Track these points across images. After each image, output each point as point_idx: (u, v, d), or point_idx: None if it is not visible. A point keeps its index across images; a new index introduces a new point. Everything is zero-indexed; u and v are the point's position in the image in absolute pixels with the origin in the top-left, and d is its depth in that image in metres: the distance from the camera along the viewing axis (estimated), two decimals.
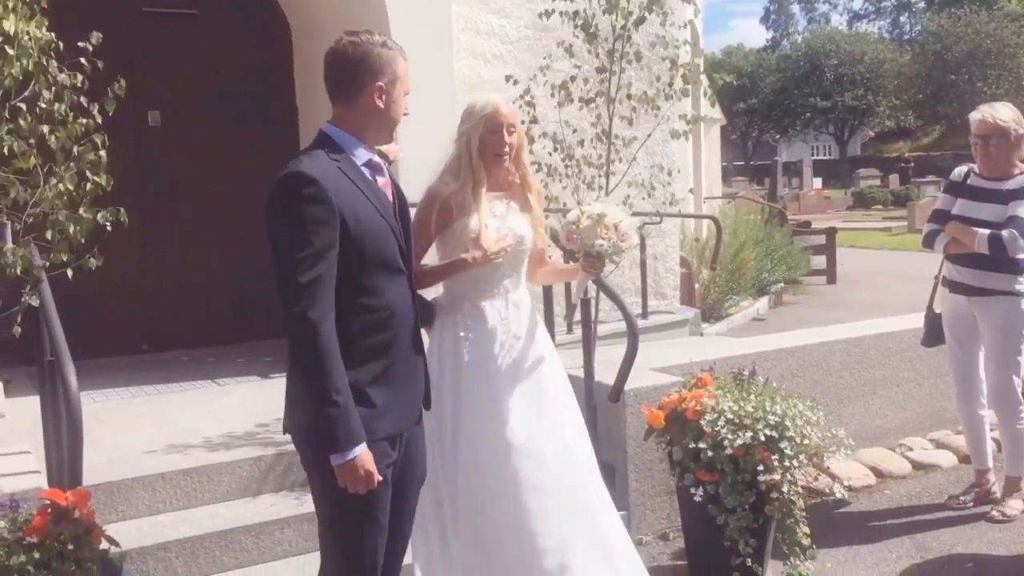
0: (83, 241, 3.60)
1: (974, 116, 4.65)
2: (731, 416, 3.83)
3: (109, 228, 3.61)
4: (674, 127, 5.62)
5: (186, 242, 6.79)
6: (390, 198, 2.73)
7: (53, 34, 3.47)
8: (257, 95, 6.99)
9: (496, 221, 3.24)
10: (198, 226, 6.82)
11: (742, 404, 3.90)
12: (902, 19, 74.02)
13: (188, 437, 4.48)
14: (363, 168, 2.66)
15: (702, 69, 6.05)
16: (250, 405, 5.07)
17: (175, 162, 6.76)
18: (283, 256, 2.45)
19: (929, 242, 4.73)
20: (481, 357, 3.22)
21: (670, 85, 5.38)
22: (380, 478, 2.53)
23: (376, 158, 2.73)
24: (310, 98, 7.04)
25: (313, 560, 3.61)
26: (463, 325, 3.22)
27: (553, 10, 5.19)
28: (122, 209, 3.65)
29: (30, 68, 3.42)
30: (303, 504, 4.03)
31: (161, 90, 6.69)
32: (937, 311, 4.87)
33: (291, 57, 7.15)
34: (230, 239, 6.87)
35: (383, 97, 2.64)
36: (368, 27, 6.19)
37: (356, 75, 2.62)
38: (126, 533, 3.59)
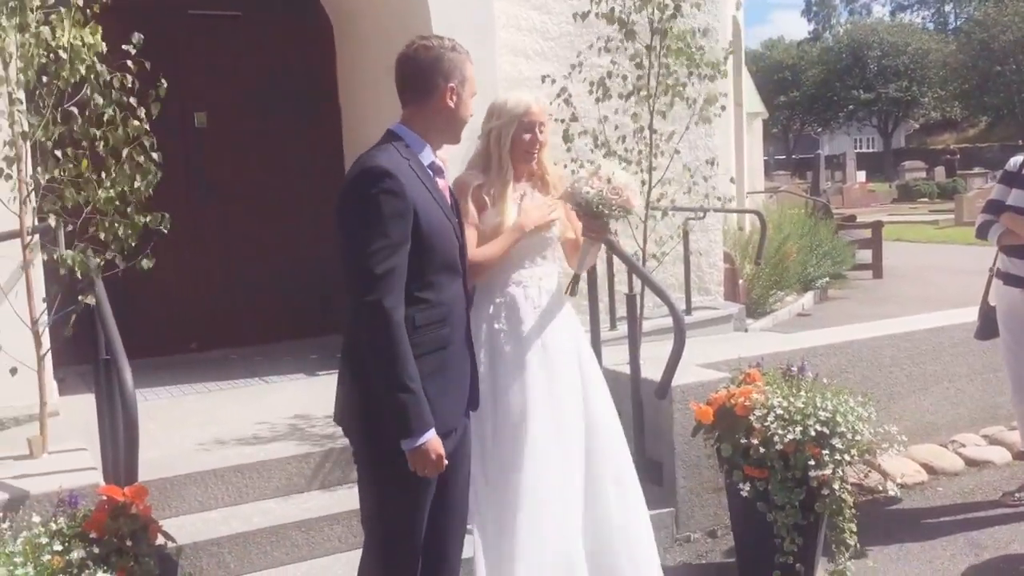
0: (133, 244, 3.67)
1: None
2: (781, 412, 3.79)
3: (165, 231, 3.68)
4: (708, 113, 5.52)
5: (233, 242, 6.86)
6: (449, 200, 2.81)
7: (104, 42, 3.54)
8: (301, 95, 7.05)
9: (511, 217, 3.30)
10: (244, 226, 6.89)
11: (792, 400, 3.85)
12: (946, 8, 72.68)
13: (238, 434, 4.53)
14: (427, 168, 2.72)
15: (743, 62, 5.98)
16: (298, 402, 5.12)
17: (221, 163, 6.84)
18: (358, 247, 2.51)
19: (983, 233, 4.64)
20: (518, 346, 3.24)
21: (700, 69, 5.30)
22: (446, 462, 2.59)
23: (438, 161, 2.80)
24: (353, 98, 7.09)
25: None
26: (497, 317, 3.24)
27: (588, 12, 5.18)
28: (167, 215, 3.71)
29: (83, 72, 3.49)
30: (352, 500, 4.02)
31: (207, 92, 6.77)
32: (992, 304, 4.78)
33: (334, 57, 7.20)
34: (276, 239, 6.95)
35: (454, 98, 2.72)
36: (410, 26, 6.25)
37: (429, 77, 2.70)
38: (179, 528, 3.64)
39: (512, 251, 3.28)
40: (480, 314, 3.27)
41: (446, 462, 2.60)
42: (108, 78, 3.56)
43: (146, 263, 3.69)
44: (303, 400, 5.18)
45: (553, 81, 5.27)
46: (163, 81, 3.60)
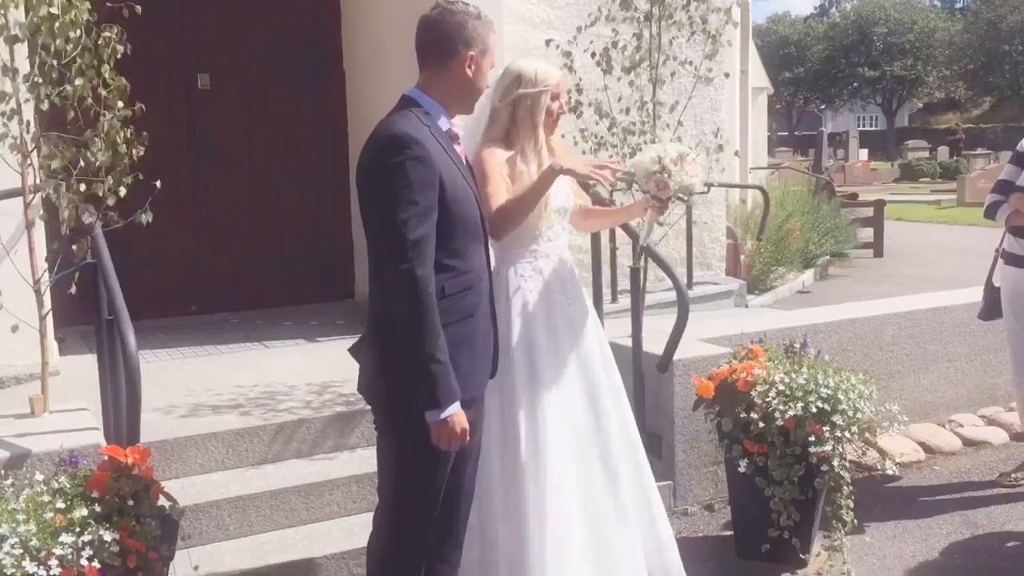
0: (122, 196, 3.61)
1: None
2: (783, 388, 3.80)
3: (158, 185, 3.64)
4: (709, 78, 5.45)
5: (236, 205, 6.84)
6: (466, 166, 2.79)
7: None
8: (306, 60, 7.00)
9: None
10: (248, 189, 6.87)
11: (794, 376, 3.86)
12: None
13: (238, 398, 4.53)
14: (446, 134, 2.70)
15: (750, 35, 5.93)
16: (298, 368, 5.12)
17: (225, 125, 6.80)
18: (388, 216, 2.48)
19: (991, 213, 4.62)
20: (536, 315, 3.21)
21: (710, 37, 5.23)
22: (477, 430, 2.63)
23: (455, 128, 2.76)
24: (357, 63, 7.04)
25: (361, 521, 3.68)
26: (527, 291, 3.21)
27: None
28: (158, 183, 3.66)
29: (79, 36, 3.45)
30: (351, 466, 4.08)
31: (211, 53, 6.72)
32: (996, 285, 4.77)
33: (339, 21, 7.14)
34: (279, 203, 6.94)
35: (472, 67, 2.68)
36: None
37: (449, 43, 2.65)
38: (180, 490, 3.64)
39: (534, 221, 3.21)
40: (498, 285, 3.21)
41: (469, 437, 2.60)
42: (102, 33, 3.49)
43: (145, 219, 3.66)
44: (303, 366, 5.18)
45: (558, 47, 5.23)
46: (137, 8, 3.50)
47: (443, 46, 2.66)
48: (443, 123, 2.70)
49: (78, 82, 3.47)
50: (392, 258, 2.48)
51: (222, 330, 6.31)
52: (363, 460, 4.09)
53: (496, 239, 3.10)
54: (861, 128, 49.14)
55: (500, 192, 3.11)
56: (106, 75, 3.51)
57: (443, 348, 2.49)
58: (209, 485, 3.90)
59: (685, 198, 3.33)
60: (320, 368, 5.03)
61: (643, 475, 3.47)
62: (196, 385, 4.81)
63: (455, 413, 2.53)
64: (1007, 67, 46.21)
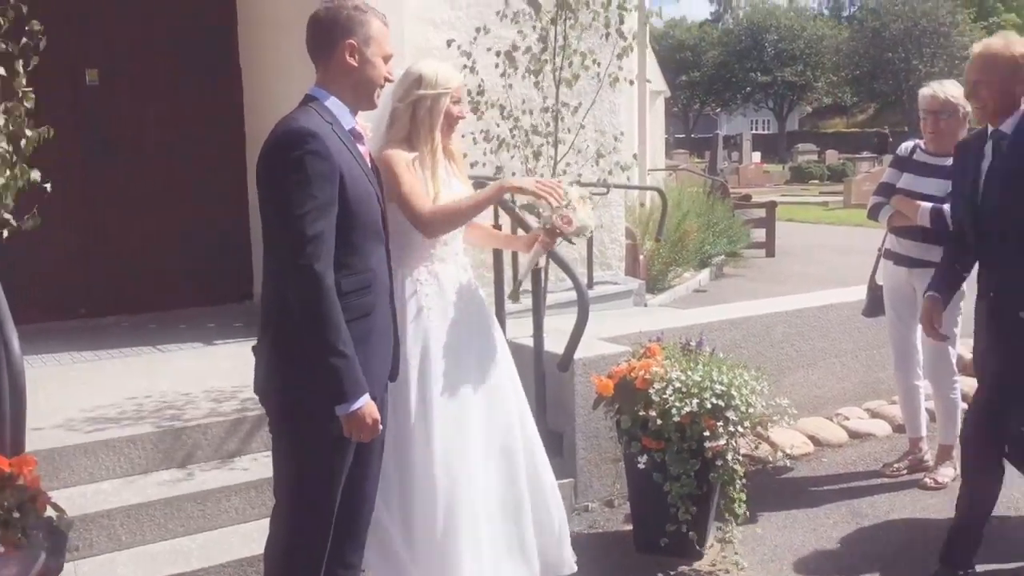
0: (9, 202, 3.47)
1: (924, 92, 4.73)
2: (679, 385, 3.89)
3: (48, 188, 3.50)
4: (616, 78, 5.55)
5: (126, 204, 6.61)
6: (370, 165, 2.78)
7: None
8: (200, 55, 6.82)
9: (445, 188, 3.26)
10: (139, 188, 6.65)
11: (690, 373, 3.95)
12: None
13: (130, 404, 4.40)
14: (348, 132, 2.69)
15: (648, 37, 6.05)
16: (194, 372, 5.00)
17: (114, 121, 6.57)
18: (286, 210, 2.47)
19: (874, 214, 4.82)
20: (443, 324, 3.24)
21: (609, 31, 5.32)
22: (382, 427, 2.61)
23: (358, 126, 2.75)
24: (254, 59, 6.91)
25: (260, 527, 3.60)
26: (422, 295, 3.22)
27: None
28: (48, 186, 3.51)
29: None
30: (249, 471, 4.01)
31: (99, 48, 6.49)
32: (879, 283, 4.98)
33: (235, 17, 6.99)
34: (172, 201, 6.74)
35: (355, 56, 2.67)
36: None
37: (328, 35, 2.66)
38: (68, 500, 3.51)
39: None
40: (403, 295, 3.22)
41: (381, 427, 2.60)
42: None
43: (31, 223, 3.52)
44: (199, 369, 5.06)
45: (459, 47, 5.23)
46: (38, 24, 3.38)
47: (324, 39, 2.67)
48: (347, 121, 2.69)
49: None
50: (291, 253, 2.47)
51: (113, 334, 6.11)
52: (261, 465, 4.02)
53: (429, 237, 3.14)
54: (754, 131, 50.54)
55: (419, 191, 3.13)
56: None
57: (347, 341, 2.49)
58: (100, 494, 3.78)
59: (574, 240, 3.42)
60: (217, 372, 4.92)
61: (541, 472, 3.51)
62: (86, 391, 4.65)
63: (365, 404, 2.53)
64: (890, 74, 48.22)
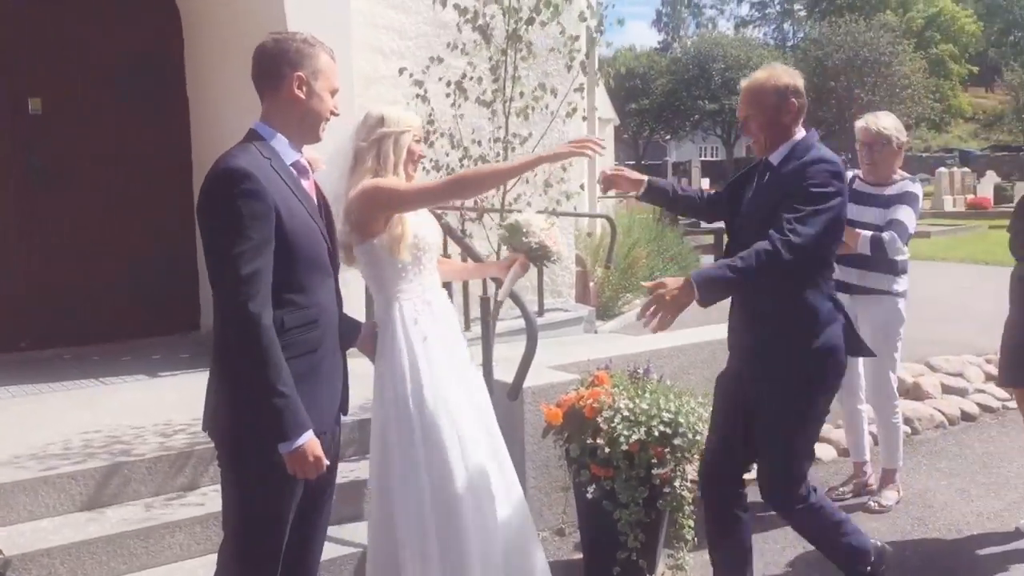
0: None
1: (859, 124, 4.86)
2: (627, 413, 3.92)
3: None
4: (573, 109, 5.63)
5: (69, 235, 6.52)
6: (315, 201, 2.76)
7: None
8: (147, 84, 6.77)
9: (413, 217, 3.29)
10: (82, 218, 6.56)
11: (637, 401, 3.98)
12: (785, 26, 76.65)
13: (72, 439, 4.31)
14: (290, 168, 2.68)
15: (597, 67, 6.15)
16: (137, 405, 4.92)
17: (58, 151, 6.48)
18: (221, 250, 2.47)
19: None
20: (442, 352, 3.30)
21: (572, 64, 5.41)
22: (327, 462, 2.60)
23: (303, 160, 2.75)
24: (201, 89, 6.87)
25: (206, 563, 3.57)
26: (423, 324, 3.26)
27: (447, 1, 5.18)
28: None
29: None
30: (194, 507, 3.94)
31: (43, 76, 6.40)
32: None
33: (182, 47, 6.95)
34: (116, 232, 6.66)
35: (303, 88, 2.66)
36: (264, 19, 6.12)
37: (275, 67, 2.66)
38: (6, 539, 3.45)
39: (424, 259, 3.30)
40: (402, 324, 3.24)
41: (327, 462, 2.59)
42: None
43: None
44: (143, 403, 4.98)
45: (411, 75, 5.26)
46: None
47: (271, 72, 2.66)
48: (289, 155, 2.68)
49: None
50: (226, 293, 2.47)
51: (55, 367, 5.99)
52: (208, 500, 3.97)
53: (465, 198, 3.19)
54: (703, 158, 51.32)
55: (408, 183, 3.21)
56: None
57: (285, 380, 2.48)
58: (39, 532, 3.69)
59: (548, 263, 3.53)
60: (162, 405, 4.85)
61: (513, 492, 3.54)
62: (25, 426, 4.55)
63: (307, 442, 2.52)
64: (833, 102, 49.29)
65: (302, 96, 2.67)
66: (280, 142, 2.67)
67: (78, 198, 6.54)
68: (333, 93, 2.75)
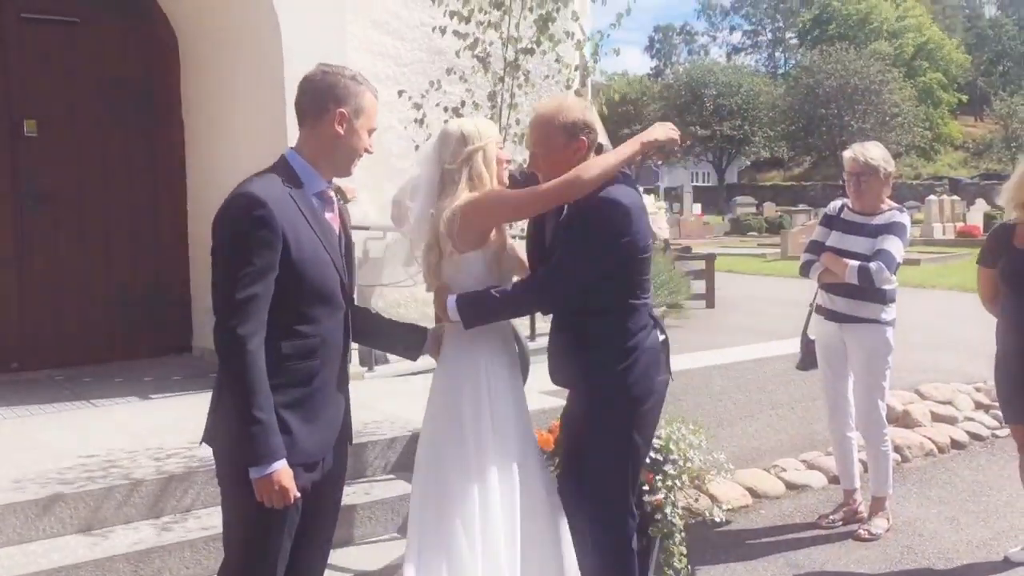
0: None
1: (847, 154, 4.92)
2: None
3: None
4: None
5: (64, 255, 6.53)
6: (336, 232, 2.78)
7: None
8: (142, 107, 6.81)
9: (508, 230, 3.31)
10: (77, 239, 6.57)
11: None
12: (777, 54, 77.31)
13: (64, 461, 4.29)
14: (313, 198, 2.70)
15: (593, 94, 6.21)
16: (129, 427, 4.91)
17: (53, 173, 6.50)
18: (223, 272, 2.53)
19: (805, 271, 4.97)
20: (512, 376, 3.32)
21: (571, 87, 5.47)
22: (297, 494, 2.58)
23: (329, 191, 2.77)
24: (198, 114, 6.90)
25: None
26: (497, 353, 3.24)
27: (446, 28, 5.23)
28: None
29: None
30: (186, 532, 3.93)
31: (39, 99, 6.44)
32: (811, 337, 5.11)
33: (178, 71, 6.99)
34: (111, 254, 6.68)
35: (344, 124, 2.69)
36: (261, 44, 6.17)
37: (321, 100, 2.68)
38: None
39: (514, 275, 3.29)
40: (491, 346, 3.21)
41: (297, 494, 2.58)
42: None
43: None
44: (134, 425, 4.97)
45: (410, 97, 5.30)
46: None
47: (315, 103, 2.69)
48: (313, 185, 2.71)
49: None
50: (220, 314, 2.51)
51: (47, 388, 5.98)
52: (199, 524, 3.95)
53: (571, 200, 3.10)
54: (695, 184, 51.60)
55: (521, 190, 3.17)
56: None
57: (264, 406, 2.49)
58: (28, 555, 3.67)
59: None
60: (154, 427, 4.84)
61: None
62: (16, 448, 4.54)
63: (276, 471, 2.51)
64: (824, 129, 49.73)
65: (341, 132, 2.69)
66: (307, 171, 2.70)
67: (71, 218, 6.56)
68: (371, 132, 2.78)
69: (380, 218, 6.48)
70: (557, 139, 3.16)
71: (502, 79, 5.23)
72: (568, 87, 5.55)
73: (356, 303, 3.04)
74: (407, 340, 3.22)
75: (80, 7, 6.58)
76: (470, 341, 3.15)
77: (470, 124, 3.22)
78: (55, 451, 4.46)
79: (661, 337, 3.32)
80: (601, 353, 3.18)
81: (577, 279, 3.12)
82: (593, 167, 3.10)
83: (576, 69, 5.55)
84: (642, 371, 3.21)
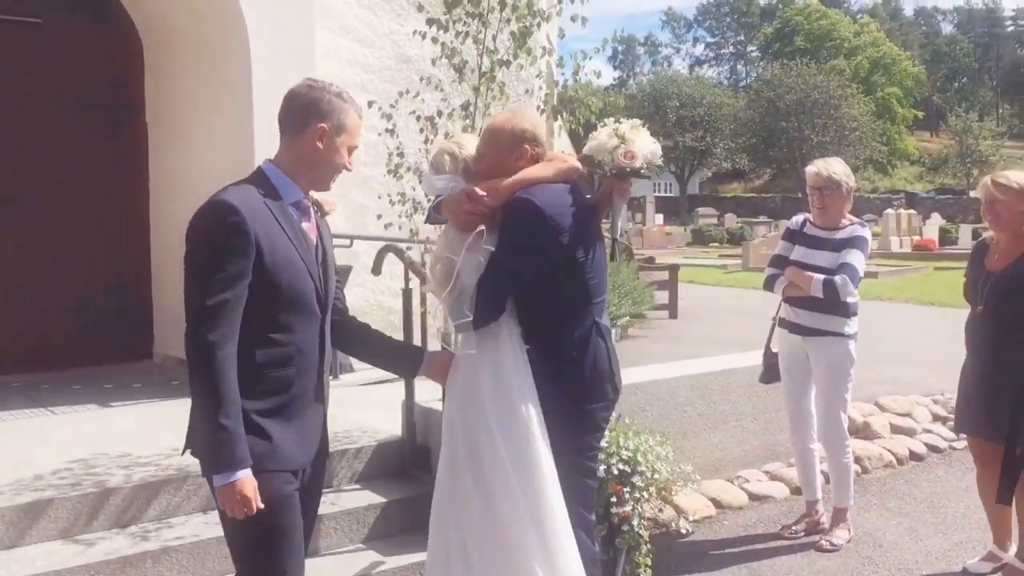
0: None
1: (810, 169, 4.99)
2: None
3: None
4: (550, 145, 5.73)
5: (21, 259, 6.42)
6: (313, 241, 2.77)
7: None
8: (106, 109, 6.73)
9: None
10: (35, 243, 6.47)
11: None
12: (739, 67, 78.21)
13: (20, 470, 4.21)
14: (290, 208, 2.69)
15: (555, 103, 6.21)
16: (88, 435, 4.82)
17: (11, 174, 6.40)
18: (195, 279, 2.52)
19: (769, 285, 5.02)
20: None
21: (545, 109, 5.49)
22: (262, 506, 2.54)
23: (306, 201, 2.76)
24: (162, 117, 6.83)
25: None
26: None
27: (425, 34, 5.22)
28: None
29: None
30: (149, 541, 3.87)
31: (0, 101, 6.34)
32: (774, 351, 5.16)
33: (142, 74, 6.91)
34: (70, 258, 6.57)
35: (324, 140, 2.69)
36: (227, 49, 6.11)
37: (304, 114, 2.69)
38: None
39: None
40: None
41: (260, 506, 2.54)
42: None
43: None
44: (94, 432, 4.88)
45: (380, 108, 5.28)
46: None
47: (297, 117, 2.69)
48: (290, 195, 2.70)
49: None
50: (190, 320, 2.50)
51: (2, 395, 5.86)
52: (184, 531, 3.89)
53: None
54: (657, 194, 51.89)
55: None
56: None
57: (231, 414, 2.48)
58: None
59: (648, 171, 3.42)
60: (113, 435, 4.77)
61: None
62: None
63: (240, 480, 2.49)
64: (784, 142, 50.37)
65: (320, 147, 2.69)
66: (283, 181, 2.69)
67: (28, 220, 6.46)
68: (351, 150, 2.78)
69: (347, 226, 6.46)
70: (503, 142, 3.24)
71: (477, 89, 5.24)
72: (546, 103, 5.56)
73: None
74: (405, 358, 3.30)
75: (44, 9, 6.49)
76: (481, 367, 3.11)
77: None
78: (13, 460, 4.36)
79: (605, 347, 3.28)
80: (542, 366, 3.17)
81: (501, 280, 3.11)
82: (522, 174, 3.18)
83: (539, 75, 5.57)
84: (584, 383, 3.20)
